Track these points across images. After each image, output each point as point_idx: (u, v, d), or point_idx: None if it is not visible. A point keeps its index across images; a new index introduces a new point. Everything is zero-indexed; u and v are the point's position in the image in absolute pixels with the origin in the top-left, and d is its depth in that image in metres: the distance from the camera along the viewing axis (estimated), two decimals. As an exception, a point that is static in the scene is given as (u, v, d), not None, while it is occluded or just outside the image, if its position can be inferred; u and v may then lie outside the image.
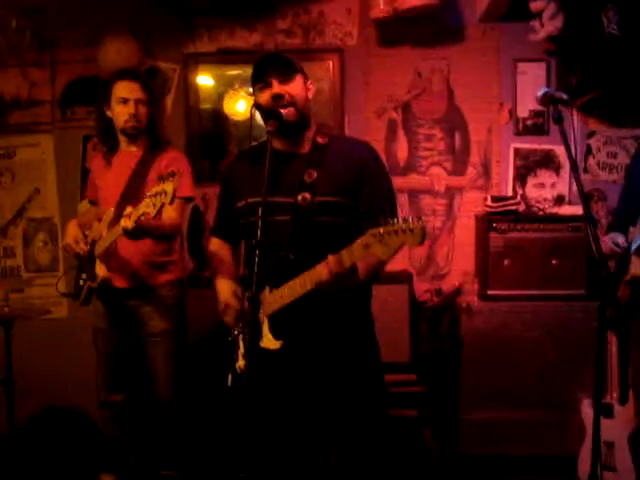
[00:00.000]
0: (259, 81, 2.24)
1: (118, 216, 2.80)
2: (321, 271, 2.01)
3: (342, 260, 1.96)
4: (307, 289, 2.07)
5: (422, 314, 3.80)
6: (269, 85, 2.22)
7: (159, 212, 2.42)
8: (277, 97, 2.20)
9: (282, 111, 2.18)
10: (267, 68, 2.21)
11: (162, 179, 2.40)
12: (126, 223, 2.55)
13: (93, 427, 3.71)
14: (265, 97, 2.23)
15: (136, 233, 2.63)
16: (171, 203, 2.39)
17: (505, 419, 3.55)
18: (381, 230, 1.82)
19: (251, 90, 3.91)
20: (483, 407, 3.57)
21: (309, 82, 2.32)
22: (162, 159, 3.09)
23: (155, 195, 2.39)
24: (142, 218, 2.48)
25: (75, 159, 4.15)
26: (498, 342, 3.57)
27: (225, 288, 2.38)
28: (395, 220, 1.80)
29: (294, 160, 2.28)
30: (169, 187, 2.35)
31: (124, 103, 3.05)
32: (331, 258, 1.98)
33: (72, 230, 3.10)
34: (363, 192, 2.23)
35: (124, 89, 3.05)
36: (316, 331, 2.24)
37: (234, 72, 4.09)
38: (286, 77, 2.22)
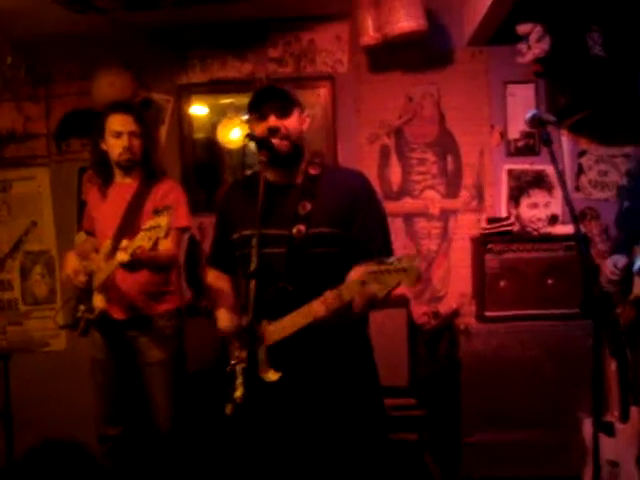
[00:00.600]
0: (256, 112, 2.26)
1: (115, 248, 2.81)
2: (319, 307, 2.03)
3: (340, 295, 1.98)
4: (308, 322, 2.08)
5: (420, 337, 3.80)
6: (265, 118, 2.23)
7: (155, 245, 2.44)
8: (273, 131, 2.21)
9: (274, 141, 2.19)
10: (265, 100, 2.23)
11: (157, 212, 2.42)
12: (122, 256, 2.57)
13: (92, 460, 3.68)
14: (260, 129, 2.24)
15: (132, 265, 2.65)
16: (165, 237, 2.41)
17: (507, 441, 3.54)
18: (377, 268, 1.84)
19: (245, 118, 3.99)
20: (484, 429, 3.55)
21: (305, 114, 2.33)
22: (158, 190, 3.10)
23: (150, 229, 2.41)
24: (137, 251, 2.50)
25: (71, 191, 4.18)
26: (497, 363, 3.56)
27: (223, 316, 2.40)
28: (391, 259, 1.83)
29: (287, 192, 2.29)
30: (163, 221, 2.37)
31: (118, 136, 3.07)
32: (329, 294, 2.00)
33: (71, 262, 3.10)
34: (356, 222, 2.24)
35: (117, 122, 3.08)
36: (315, 361, 2.23)
37: (227, 101, 4.14)
38: (283, 111, 2.24)
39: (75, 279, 3.03)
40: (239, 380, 2.26)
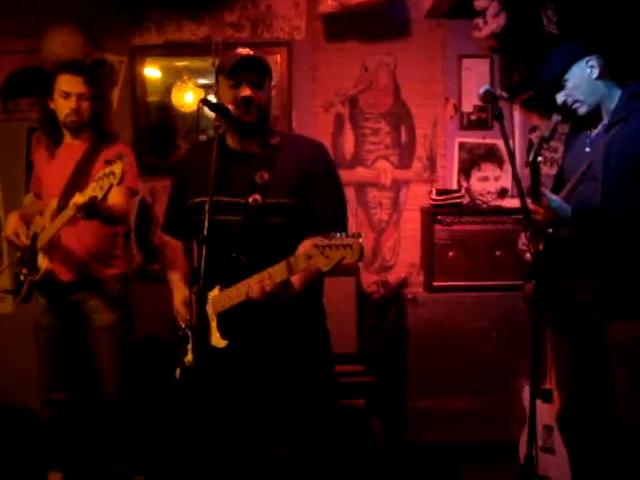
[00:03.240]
0: (229, 78, 2.24)
1: (61, 207, 2.78)
2: (255, 286, 2.05)
3: (286, 267, 2.01)
4: (242, 299, 2.11)
5: (369, 305, 3.86)
6: (238, 86, 2.22)
7: (106, 194, 2.41)
8: (246, 100, 2.21)
9: (230, 107, 2.19)
10: (244, 68, 2.22)
11: (109, 162, 2.38)
12: (78, 199, 2.52)
13: (39, 425, 3.67)
14: (230, 95, 2.23)
15: (87, 211, 2.59)
16: (119, 184, 2.38)
17: (450, 407, 3.64)
18: (324, 242, 1.87)
19: (199, 82, 3.95)
20: (429, 396, 3.65)
21: (273, 82, 2.34)
22: (107, 152, 3.04)
23: (102, 177, 2.38)
24: (91, 201, 2.46)
25: (19, 152, 4.06)
26: (443, 332, 3.65)
27: (178, 293, 2.39)
28: (338, 234, 1.86)
29: (246, 160, 2.29)
30: (117, 168, 2.33)
31: (66, 97, 3.01)
32: (273, 269, 2.03)
33: (12, 222, 3.05)
34: (311, 194, 2.26)
35: (66, 83, 3.01)
36: (266, 327, 2.26)
37: (182, 63, 4.06)
38: (257, 82, 2.24)
39: (16, 240, 2.98)
40: (189, 345, 2.29)
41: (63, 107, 3.03)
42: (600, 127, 2.59)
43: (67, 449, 3.27)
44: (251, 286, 2.06)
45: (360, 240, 1.83)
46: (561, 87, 2.57)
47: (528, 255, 2.43)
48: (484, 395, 3.64)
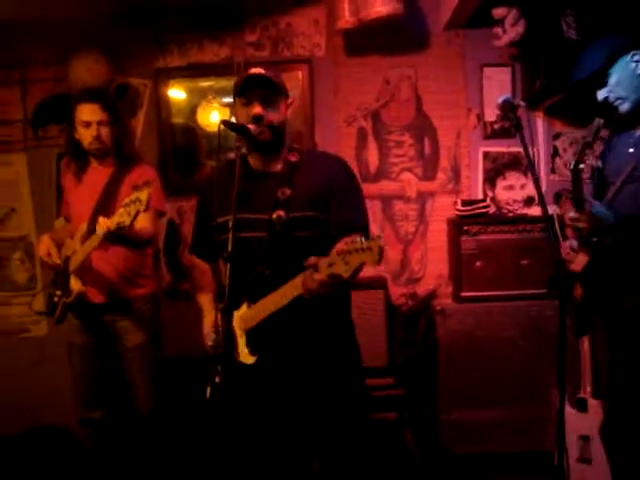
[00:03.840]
0: (242, 97, 2.27)
1: (91, 231, 2.83)
2: (295, 286, 2.05)
3: (310, 277, 1.99)
4: (281, 305, 2.11)
5: (398, 318, 3.85)
6: (250, 104, 2.25)
7: (134, 220, 2.45)
8: (257, 119, 2.23)
9: (251, 127, 2.21)
10: (252, 86, 2.25)
11: (136, 188, 2.43)
12: (104, 226, 2.57)
13: (76, 444, 3.72)
14: (244, 114, 2.26)
15: (112, 237, 2.65)
16: (146, 210, 2.42)
17: (483, 418, 3.61)
18: (344, 248, 1.86)
19: (224, 101, 3.99)
20: (461, 407, 3.62)
21: (289, 100, 2.35)
22: (133, 174, 3.12)
23: (129, 204, 2.42)
24: (120, 226, 2.51)
25: (49, 177, 4.16)
26: (473, 343, 3.63)
27: (207, 316, 2.42)
28: (357, 239, 1.84)
29: (268, 178, 2.32)
30: (143, 195, 2.38)
31: (86, 126, 3.08)
32: (298, 278, 2.04)
33: (44, 243, 3.13)
34: (333, 203, 2.27)
35: (85, 112, 3.08)
36: (295, 341, 2.27)
37: (206, 84, 4.12)
38: (269, 100, 2.26)
39: (49, 260, 3.05)
40: (218, 364, 2.30)
41: (85, 136, 3.10)
42: None
43: (104, 466, 3.31)
44: (290, 286, 2.07)
45: (380, 243, 1.80)
46: (603, 82, 2.49)
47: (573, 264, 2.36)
48: (516, 405, 3.60)
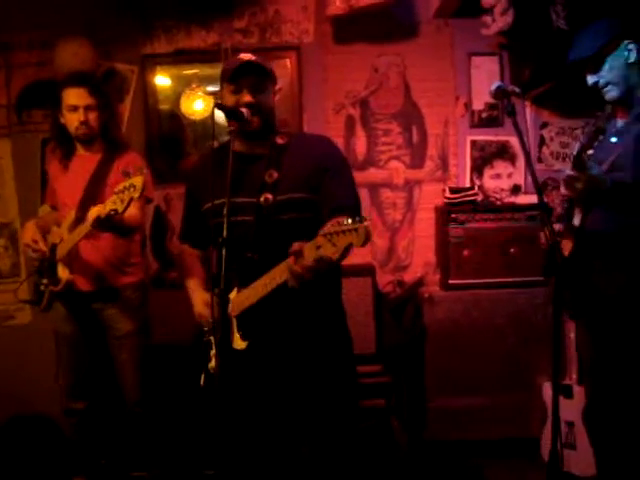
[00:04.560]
0: (231, 83, 2.26)
1: (79, 219, 2.80)
2: (283, 270, 2.03)
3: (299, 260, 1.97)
4: (270, 289, 2.10)
5: (386, 305, 3.86)
6: (240, 91, 2.24)
7: (127, 207, 2.43)
8: (246, 106, 2.22)
9: (244, 111, 2.21)
10: (244, 73, 2.23)
11: (129, 174, 2.40)
12: (94, 213, 2.54)
13: (60, 433, 3.70)
14: (232, 101, 2.25)
15: (103, 225, 2.61)
16: (140, 197, 2.40)
17: (470, 405, 3.64)
18: (331, 230, 1.84)
19: (208, 89, 3.96)
20: (448, 394, 3.65)
21: (277, 87, 2.35)
22: (121, 161, 3.09)
23: (123, 190, 2.39)
24: (112, 213, 2.48)
25: (34, 163, 4.10)
26: (460, 330, 3.65)
27: (197, 299, 2.40)
28: (344, 220, 1.82)
29: (255, 162, 2.31)
30: (138, 181, 2.35)
31: (73, 110, 3.04)
32: (289, 261, 2.01)
33: (29, 230, 3.08)
34: (324, 182, 2.26)
35: (72, 96, 3.04)
36: (286, 327, 2.26)
37: (191, 72, 4.08)
38: (258, 87, 2.25)
39: (35, 246, 3.00)
40: (213, 351, 2.30)
41: (72, 121, 3.06)
42: (630, 117, 2.52)
43: (90, 456, 3.29)
44: (279, 270, 2.04)
45: (366, 223, 1.78)
46: (599, 66, 2.48)
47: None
48: (503, 392, 3.63)
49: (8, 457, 3.65)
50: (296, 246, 1.93)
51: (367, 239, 1.78)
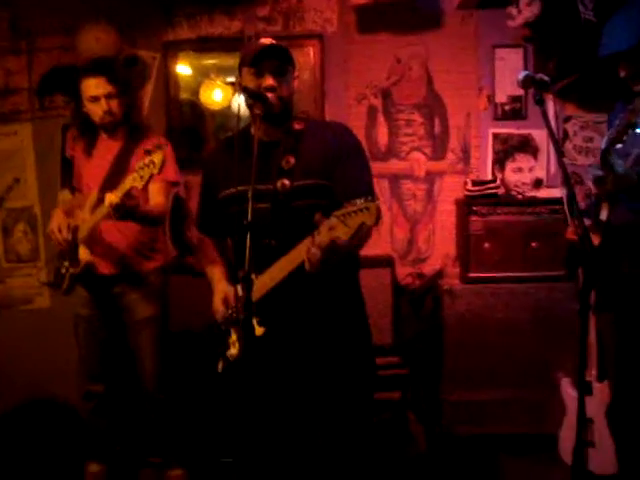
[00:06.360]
0: (253, 67, 2.24)
1: (100, 200, 2.80)
2: (299, 252, 2.03)
3: (312, 242, 1.96)
4: (286, 272, 2.09)
5: (404, 297, 3.85)
6: (262, 75, 2.22)
7: (147, 184, 2.42)
8: (269, 90, 2.21)
9: (268, 94, 2.19)
10: (267, 57, 2.22)
11: (149, 152, 2.40)
12: (110, 198, 2.55)
13: (76, 417, 3.71)
14: (254, 84, 2.23)
15: (121, 211, 2.62)
16: (159, 173, 2.39)
17: (487, 399, 3.61)
18: (344, 211, 1.85)
19: (228, 80, 3.96)
20: (465, 388, 3.62)
21: (296, 73, 2.33)
22: (144, 145, 3.06)
23: (142, 167, 2.39)
24: (131, 192, 2.48)
25: (54, 148, 4.12)
26: (479, 323, 3.62)
27: (218, 290, 2.39)
28: (356, 200, 1.83)
29: (272, 148, 2.29)
30: (157, 157, 2.35)
31: (95, 101, 3.03)
32: (303, 244, 2.01)
33: (57, 218, 3.08)
34: (339, 167, 2.25)
35: (91, 86, 3.02)
36: (303, 314, 2.25)
37: (210, 62, 4.08)
38: (280, 71, 2.24)
39: (58, 235, 3.01)
40: (232, 338, 2.29)
41: (96, 110, 3.05)
42: None
43: (106, 441, 3.30)
44: (295, 253, 2.04)
45: (377, 202, 1.81)
46: (635, 58, 2.44)
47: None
48: (521, 387, 3.60)
49: (24, 440, 3.67)
50: (318, 217, 1.93)
51: (378, 218, 1.82)
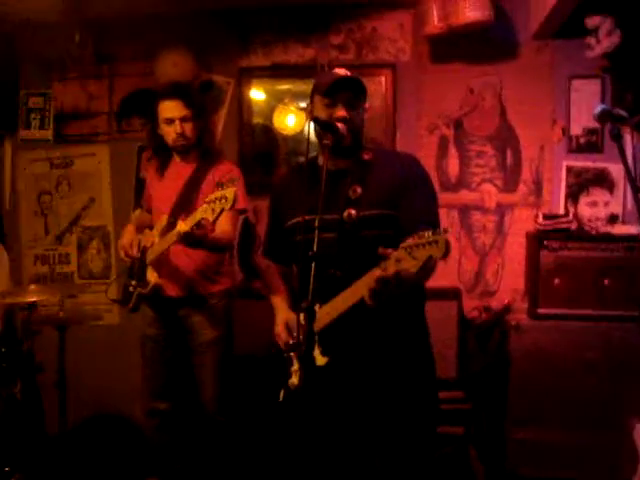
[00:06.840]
0: (326, 97, 2.25)
1: (171, 224, 2.86)
2: (365, 283, 2.00)
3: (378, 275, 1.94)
4: (350, 304, 2.08)
5: (470, 331, 3.77)
6: (335, 105, 2.24)
7: (217, 217, 2.45)
8: (339, 120, 2.22)
9: (339, 125, 2.20)
10: (338, 88, 2.23)
11: (222, 185, 2.43)
12: (181, 227, 2.59)
13: (139, 434, 3.76)
14: (325, 114, 2.25)
15: (190, 240, 2.67)
16: (231, 208, 2.42)
17: (553, 441, 3.49)
18: (411, 243, 1.82)
19: (301, 105, 4.01)
20: (531, 427, 3.51)
21: (367, 104, 2.34)
22: (216, 171, 3.13)
23: (214, 201, 2.42)
24: (201, 222, 2.51)
25: (130, 169, 4.26)
26: (547, 361, 3.51)
27: (280, 318, 2.40)
28: (424, 232, 1.80)
29: (339, 177, 2.29)
30: (230, 193, 2.38)
31: (170, 123, 3.09)
32: (369, 276, 1.98)
33: (129, 234, 3.17)
34: (405, 198, 2.23)
35: (167, 109, 3.09)
36: (367, 345, 2.23)
37: (284, 87, 4.15)
38: (353, 103, 2.25)
39: (129, 250, 3.08)
40: (294, 367, 2.28)
41: (169, 133, 3.12)
42: None
43: (166, 458, 3.33)
44: (360, 284, 2.02)
45: (445, 236, 1.76)
46: None
47: None
48: (589, 430, 3.46)
49: (89, 453, 3.74)
50: (382, 249, 1.91)
51: (447, 251, 1.77)
